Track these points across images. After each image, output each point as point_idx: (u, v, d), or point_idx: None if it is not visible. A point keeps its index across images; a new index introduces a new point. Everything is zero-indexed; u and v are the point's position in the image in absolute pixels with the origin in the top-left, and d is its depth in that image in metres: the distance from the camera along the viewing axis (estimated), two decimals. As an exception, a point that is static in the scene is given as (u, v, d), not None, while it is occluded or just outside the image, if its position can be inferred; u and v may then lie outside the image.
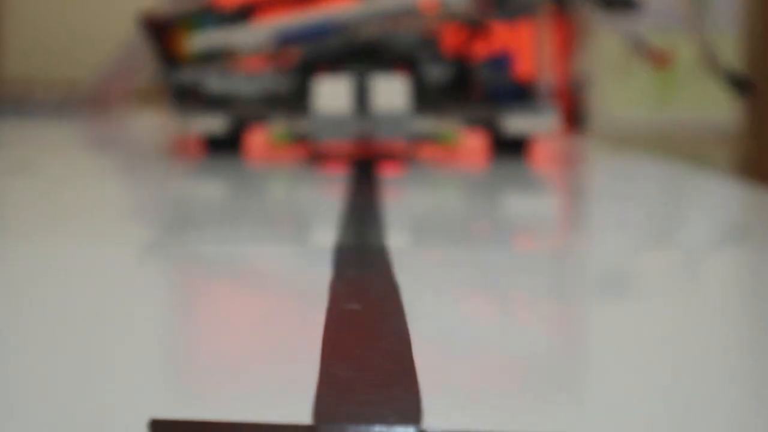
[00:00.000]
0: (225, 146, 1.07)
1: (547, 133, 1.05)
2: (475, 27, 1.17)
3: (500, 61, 1.02)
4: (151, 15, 1.03)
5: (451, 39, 1.18)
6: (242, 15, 1.06)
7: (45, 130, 1.46)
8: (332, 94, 0.94)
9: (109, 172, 1.01)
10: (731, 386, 0.31)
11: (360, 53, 1.06)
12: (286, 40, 1.04)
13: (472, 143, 1.13)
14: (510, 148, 1.09)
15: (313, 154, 0.97)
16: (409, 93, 0.94)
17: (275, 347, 0.35)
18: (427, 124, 1.02)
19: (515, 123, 1.03)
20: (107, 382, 0.31)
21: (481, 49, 1.16)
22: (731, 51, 1.86)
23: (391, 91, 0.94)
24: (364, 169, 0.96)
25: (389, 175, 0.93)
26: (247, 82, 1.01)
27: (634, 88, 2.22)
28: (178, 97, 1.03)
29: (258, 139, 1.14)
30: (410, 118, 0.95)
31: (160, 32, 1.03)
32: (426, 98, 1.02)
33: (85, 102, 1.97)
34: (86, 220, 0.61)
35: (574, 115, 1.09)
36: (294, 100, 1.03)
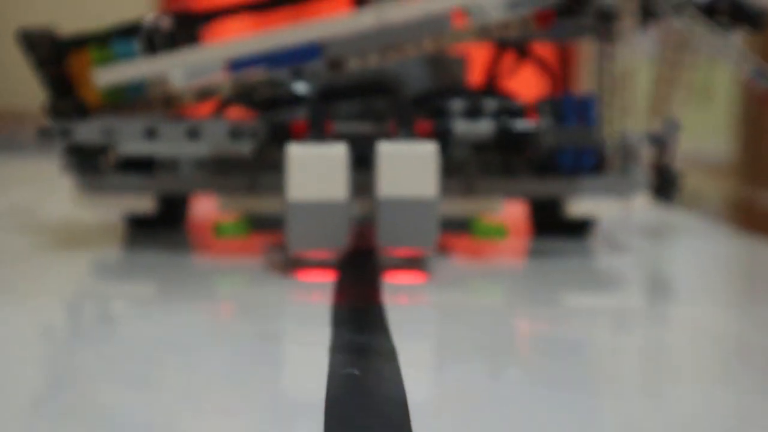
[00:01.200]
0: (157, 228, 0.73)
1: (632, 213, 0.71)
2: (517, 51, 0.83)
3: (570, 106, 0.67)
4: (41, 31, 0.69)
5: (487, 71, 0.84)
6: (186, 34, 0.72)
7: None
8: (316, 171, 0.59)
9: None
10: None
11: (357, 95, 0.72)
12: (245, 68, 0.70)
13: (513, 219, 0.78)
14: (567, 229, 0.75)
15: (281, 246, 0.63)
16: (437, 170, 0.59)
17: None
18: (457, 205, 0.67)
19: (588, 204, 0.68)
20: None
21: (534, 89, 0.82)
22: (728, 78, 1.71)
23: (409, 169, 0.59)
24: (360, 268, 0.62)
25: (399, 282, 0.59)
26: (185, 140, 0.66)
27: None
28: (80, 160, 0.68)
29: (205, 221, 0.80)
30: (438, 209, 0.60)
31: (56, 58, 0.69)
32: (457, 168, 0.68)
33: None
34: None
35: (663, 182, 0.74)
36: (256, 168, 0.69)
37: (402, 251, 0.60)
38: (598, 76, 0.86)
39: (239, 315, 0.54)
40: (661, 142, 0.78)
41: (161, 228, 0.75)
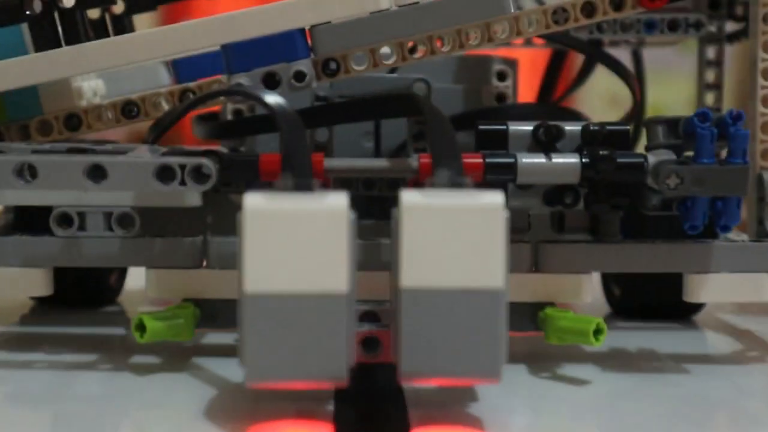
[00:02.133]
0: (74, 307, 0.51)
1: None
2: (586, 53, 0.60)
3: (706, 131, 0.42)
4: None
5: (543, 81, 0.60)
6: (114, 18, 0.48)
7: None
8: (296, 240, 0.34)
9: None
10: None
11: (364, 113, 0.48)
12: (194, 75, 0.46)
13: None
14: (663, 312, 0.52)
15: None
16: (507, 239, 0.34)
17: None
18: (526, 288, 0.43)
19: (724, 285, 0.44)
20: None
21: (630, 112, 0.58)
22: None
23: (458, 239, 0.34)
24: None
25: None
26: (89, 183, 0.41)
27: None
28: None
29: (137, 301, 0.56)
30: (506, 308, 0.34)
31: None
32: (517, 228, 0.43)
33: None
34: None
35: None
36: (205, 228, 0.45)
37: (441, 381, 0.35)
38: (698, 92, 0.62)
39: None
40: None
41: (80, 307, 0.52)
